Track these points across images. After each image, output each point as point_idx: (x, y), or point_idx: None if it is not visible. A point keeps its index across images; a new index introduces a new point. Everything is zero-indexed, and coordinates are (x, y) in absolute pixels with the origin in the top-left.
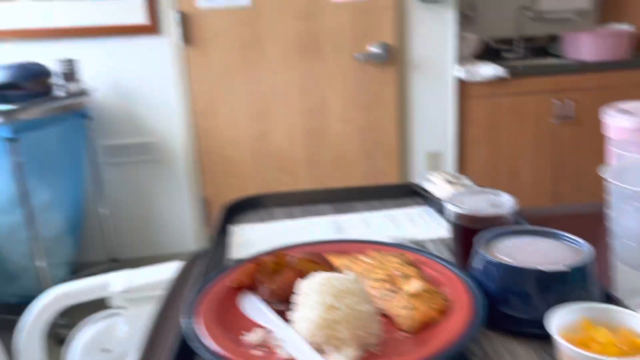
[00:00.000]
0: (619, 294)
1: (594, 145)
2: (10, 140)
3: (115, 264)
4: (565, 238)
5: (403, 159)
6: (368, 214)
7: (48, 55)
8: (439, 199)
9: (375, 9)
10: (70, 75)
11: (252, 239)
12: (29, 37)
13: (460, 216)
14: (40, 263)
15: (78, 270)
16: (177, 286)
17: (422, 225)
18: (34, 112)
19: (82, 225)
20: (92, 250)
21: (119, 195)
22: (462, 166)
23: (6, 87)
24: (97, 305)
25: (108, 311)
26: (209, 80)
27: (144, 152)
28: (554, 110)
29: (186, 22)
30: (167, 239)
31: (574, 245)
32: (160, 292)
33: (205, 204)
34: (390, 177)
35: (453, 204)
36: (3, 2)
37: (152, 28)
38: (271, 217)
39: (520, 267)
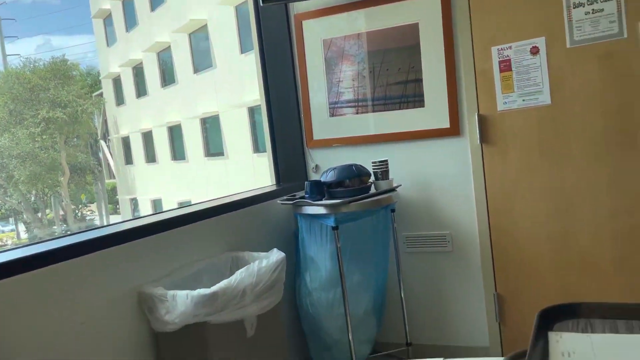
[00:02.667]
0: None
1: None
2: (334, 228)
3: (410, 347)
4: None
5: None
6: None
7: (365, 157)
8: None
9: None
10: (383, 174)
11: (573, 349)
12: (352, 144)
13: None
14: (350, 337)
15: (378, 349)
16: None
17: None
18: (354, 206)
19: (384, 308)
20: (390, 332)
21: (416, 283)
22: None
23: (334, 185)
24: None
25: None
26: (505, 177)
27: (440, 243)
28: None
29: (485, 123)
30: (459, 330)
31: None
32: None
33: (499, 299)
34: None
35: None
36: (331, 118)
37: (453, 131)
38: (591, 328)
39: None
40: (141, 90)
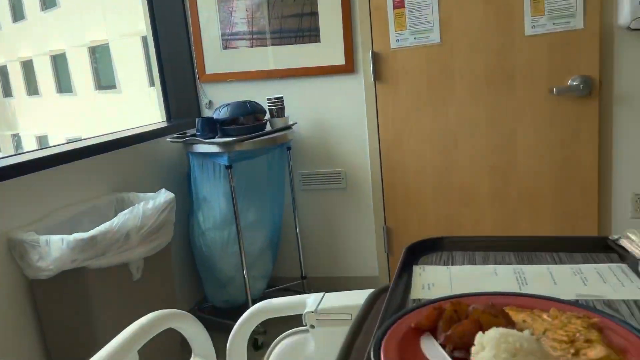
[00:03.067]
0: None
1: None
2: (227, 167)
3: (305, 280)
4: None
5: (604, 200)
6: (554, 266)
7: (261, 94)
8: (637, 258)
9: (575, 41)
10: (278, 111)
11: (433, 281)
12: (247, 79)
13: None
14: (245, 274)
15: (274, 284)
16: (361, 320)
17: (615, 284)
18: (248, 144)
19: (279, 244)
20: (286, 267)
21: (311, 219)
22: None
23: (228, 122)
24: (292, 317)
25: (301, 328)
26: (397, 114)
27: (335, 181)
28: None
29: (378, 61)
30: (351, 262)
31: None
32: (346, 317)
33: (388, 232)
34: (586, 219)
35: None
36: (225, 51)
37: (348, 67)
38: (452, 260)
39: None
40: (17, 13)
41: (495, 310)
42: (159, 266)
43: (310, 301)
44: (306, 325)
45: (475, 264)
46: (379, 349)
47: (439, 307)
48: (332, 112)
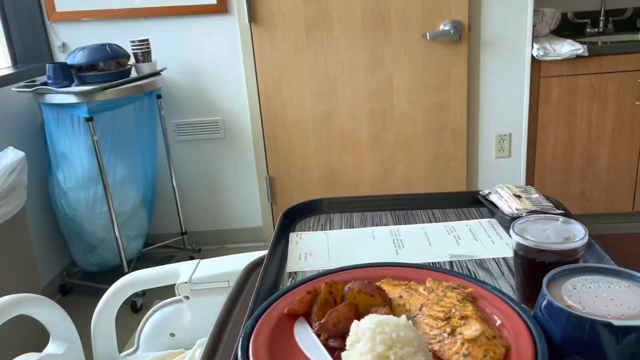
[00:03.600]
0: None
1: None
2: (87, 119)
3: (185, 236)
4: None
5: (472, 140)
6: (429, 225)
7: (124, 36)
8: (505, 215)
9: None
10: (144, 55)
11: (310, 250)
12: (106, 18)
13: (524, 247)
14: (117, 235)
15: (152, 242)
16: (235, 297)
17: (486, 242)
18: (111, 93)
19: (154, 200)
20: (164, 223)
21: (189, 172)
22: (534, 148)
23: (85, 68)
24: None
25: (176, 298)
26: (275, 59)
27: (212, 130)
28: (638, 91)
29: (253, 1)
30: (234, 214)
31: None
32: (223, 285)
33: (270, 181)
34: (457, 159)
35: (517, 233)
36: None
37: (221, 7)
38: (330, 223)
39: (588, 317)
40: None
41: (371, 288)
42: (13, 235)
43: (183, 270)
44: (179, 296)
45: (353, 226)
46: (248, 344)
47: (313, 289)
48: (205, 56)
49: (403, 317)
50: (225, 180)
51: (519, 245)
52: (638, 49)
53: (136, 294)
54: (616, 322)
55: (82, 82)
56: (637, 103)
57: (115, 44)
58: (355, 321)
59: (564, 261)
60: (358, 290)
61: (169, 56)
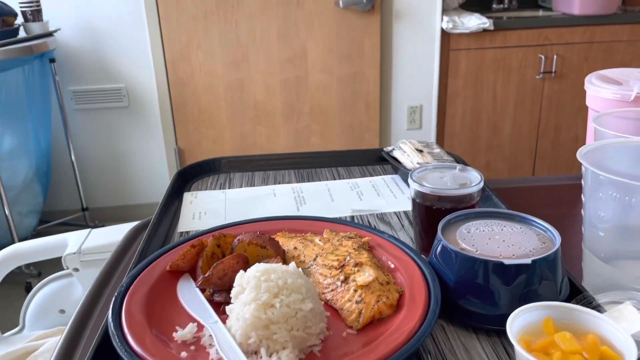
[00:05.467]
0: (588, 287)
1: (578, 101)
2: None
3: (86, 212)
4: (535, 224)
5: (384, 112)
6: (332, 182)
7: None
8: (407, 169)
9: None
10: (34, 13)
11: (205, 209)
12: None
13: (421, 194)
14: (7, 211)
15: (49, 219)
16: (117, 259)
17: (388, 197)
18: None
19: (50, 174)
20: (63, 199)
21: (89, 143)
22: (444, 120)
23: None
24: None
25: (65, 272)
26: (182, 23)
27: (115, 98)
28: (539, 65)
29: None
30: (140, 189)
31: (543, 233)
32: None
33: (180, 153)
34: (370, 130)
35: (415, 180)
36: None
37: None
38: (230, 183)
39: (480, 258)
40: None
41: (263, 240)
42: None
43: (72, 240)
44: (67, 269)
45: (254, 186)
46: (122, 304)
47: (199, 242)
48: (104, 18)
49: (292, 264)
50: (130, 152)
51: (416, 192)
52: (539, 24)
53: (31, 275)
54: (507, 261)
55: None
56: (537, 77)
57: (1, 1)
58: (240, 271)
59: (460, 207)
60: (248, 242)
61: (63, 16)
